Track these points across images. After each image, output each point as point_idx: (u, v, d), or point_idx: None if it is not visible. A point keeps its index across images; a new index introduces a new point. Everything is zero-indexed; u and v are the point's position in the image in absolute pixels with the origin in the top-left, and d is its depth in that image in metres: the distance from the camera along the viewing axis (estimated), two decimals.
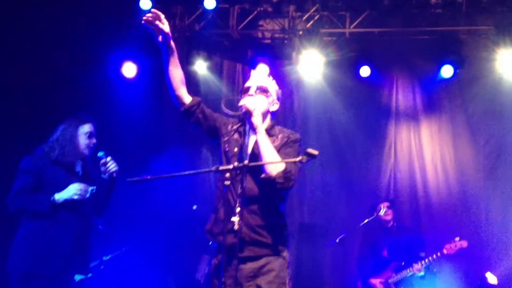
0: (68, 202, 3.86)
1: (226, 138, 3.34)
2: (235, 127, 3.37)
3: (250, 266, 3.14)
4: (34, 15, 5.98)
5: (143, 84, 6.95)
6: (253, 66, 6.82)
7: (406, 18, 6.62)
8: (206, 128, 3.39)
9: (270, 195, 3.17)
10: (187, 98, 3.35)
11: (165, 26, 3.12)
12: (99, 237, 4.56)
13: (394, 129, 7.10)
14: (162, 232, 6.65)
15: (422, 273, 5.90)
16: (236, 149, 3.28)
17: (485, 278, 5.95)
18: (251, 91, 3.31)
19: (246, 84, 3.39)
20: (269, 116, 3.37)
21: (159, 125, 7.10)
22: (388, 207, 6.27)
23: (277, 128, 3.38)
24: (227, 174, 2.88)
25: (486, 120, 6.74)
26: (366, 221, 6.01)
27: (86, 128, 4.10)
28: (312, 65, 6.74)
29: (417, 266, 5.88)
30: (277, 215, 3.27)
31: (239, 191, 3.12)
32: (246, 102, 3.21)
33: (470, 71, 6.60)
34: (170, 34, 3.16)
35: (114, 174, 4.09)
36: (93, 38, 6.34)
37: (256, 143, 3.19)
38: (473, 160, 6.77)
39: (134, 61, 6.91)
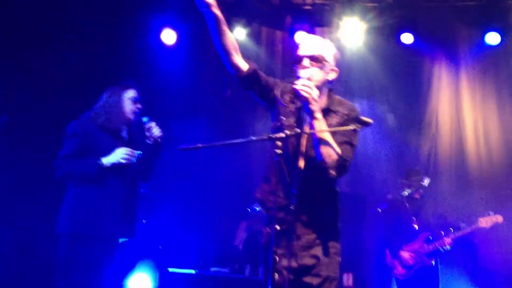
0: (115, 166, 3.89)
1: (282, 109, 3.15)
2: (292, 97, 3.13)
3: (305, 238, 3.10)
4: None
5: (183, 51, 6.90)
6: (292, 33, 6.73)
7: None
8: (261, 97, 3.20)
9: (325, 176, 3.03)
10: (243, 65, 3.12)
11: None
12: (143, 201, 4.59)
13: (435, 98, 6.95)
14: (201, 198, 6.72)
15: (448, 247, 5.63)
16: (292, 121, 3.10)
17: None
18: (305, 63, 3.05)
19: (299, 53, 3.10)
20: (326, 88, 3.15)
21: (199, 92, 7.09)
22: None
23: (336, 100, 3.16)
24: (279, 143, 2.79)
25: None
26: (408, 192, 5.86)
27: (130, 93, 4.10)
28: (353, 32, 6.61)
29: (447, 239, 5.61)
30: (333, 192, 3.19)
31: (293, 164, 3.00)
32: (300, 87, 2.95)
33: None
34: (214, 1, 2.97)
35: (159, 140, 4.11)
36: (132, 4, 6.33)
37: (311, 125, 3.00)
38: None
39: (174, 28, 6.82)
